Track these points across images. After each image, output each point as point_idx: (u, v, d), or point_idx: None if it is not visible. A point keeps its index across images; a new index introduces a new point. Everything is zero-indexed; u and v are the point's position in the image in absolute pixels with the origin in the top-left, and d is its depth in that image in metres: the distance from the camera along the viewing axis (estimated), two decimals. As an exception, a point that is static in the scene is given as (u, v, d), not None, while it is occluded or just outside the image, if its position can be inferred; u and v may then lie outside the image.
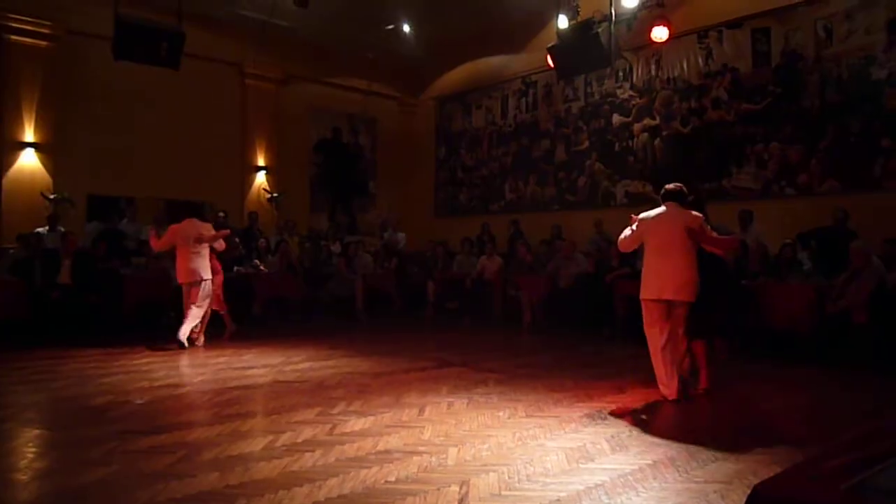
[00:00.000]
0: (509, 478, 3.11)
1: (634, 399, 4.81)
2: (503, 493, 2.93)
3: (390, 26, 11.82)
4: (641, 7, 9.81)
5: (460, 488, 2.97)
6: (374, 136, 14.00)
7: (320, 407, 4.50)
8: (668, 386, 4.74)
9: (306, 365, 6.21)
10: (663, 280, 4.72)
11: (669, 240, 4.74)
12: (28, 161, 9.65)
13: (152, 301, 8.39)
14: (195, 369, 6.06)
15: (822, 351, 6.36)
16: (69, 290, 7.87)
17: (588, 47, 7.79)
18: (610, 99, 10.89)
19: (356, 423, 4.07)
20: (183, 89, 10.43)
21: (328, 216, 13.04)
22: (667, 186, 4.98)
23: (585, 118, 11.26)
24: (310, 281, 10.04)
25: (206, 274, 7.16)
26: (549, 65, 8.70)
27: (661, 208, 4.89)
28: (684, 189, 4.97)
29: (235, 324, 8.04)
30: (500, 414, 4.35)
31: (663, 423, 4.26)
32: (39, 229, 8.80)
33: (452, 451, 3.53)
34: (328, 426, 3.99)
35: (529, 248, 10.19)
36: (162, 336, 7.42)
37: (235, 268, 9.11)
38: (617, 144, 10.75)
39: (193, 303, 7.06)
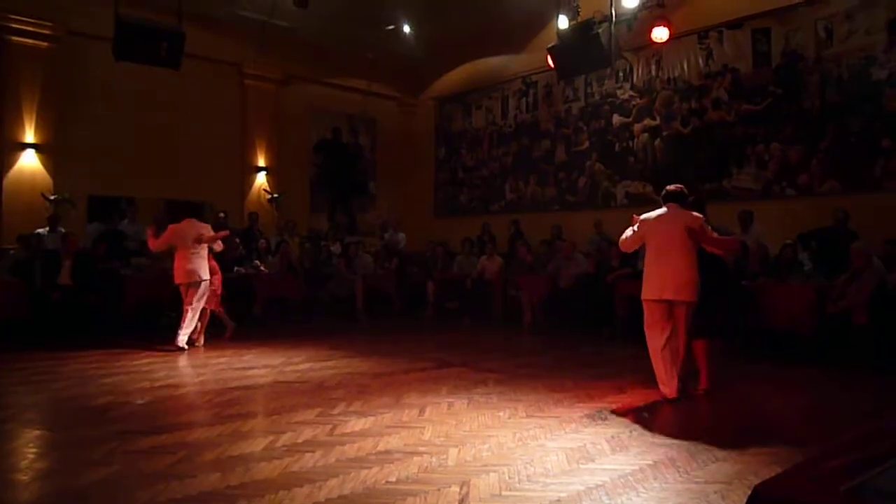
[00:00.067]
0: (510, 478, 3.12)
1: (635, 399, 4.81)
2: (503, 493, 2.93)
3: (390, 26, 11.82)
4: (642, 7, 9.80)
5: (461, 489, 2.97)
6: (373, 137, 14.00)
7: (321, 407, 4.50)
8: (667, 385, 4.76)
9: (306, 365, 6.21)
10: (664, 280, 4.75)
11: (670, 240, 4.77)
12: (28, 162, 9.65)
13: (152, 302, 8.39)
14: (195, 370, 6.07)
15: (822, 351, 6.37)
16: (70, 290, 7.87)
17: (588, 47, 7.79)
18: (610, 99, 10.89)
19: (356, 424, 4.08)
20: (183, 90, 10.43)
21: (328, 216, 13.04)
22: (667, 187, 5.03)
23: (586, 118, 11.26)
24: (310, 281, 10.04)
25: (205, 274, 7.15)
26: (549, 65, 8.71)
27: (662, 209, 4.93)
28: (685, 190, 5.02)
29: (234, 322, 8.00)
30: (501, 414, 4.35)
31: (664, 423, 4.26)
32: (40, 230, 8.80)
33: (453, 451, 3.53)
34: (328, 427, 4.00)
35: (530, 248, 10.18)
36: (162, 336, 7.43)
37: (236, 268, 9.12)
38: (617, 145, 10.75)
39: (190, 304, 7.07)
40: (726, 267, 5.45)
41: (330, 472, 3.17)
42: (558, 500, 2.85)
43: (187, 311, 7.06)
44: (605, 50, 7.65)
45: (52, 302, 7.70)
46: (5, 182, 9.50)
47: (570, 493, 2.93)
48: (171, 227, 7.24)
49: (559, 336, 8.41)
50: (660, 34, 9.24)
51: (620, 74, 10.66)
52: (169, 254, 7.45)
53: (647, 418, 4.28)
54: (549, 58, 8.44)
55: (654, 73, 10.24)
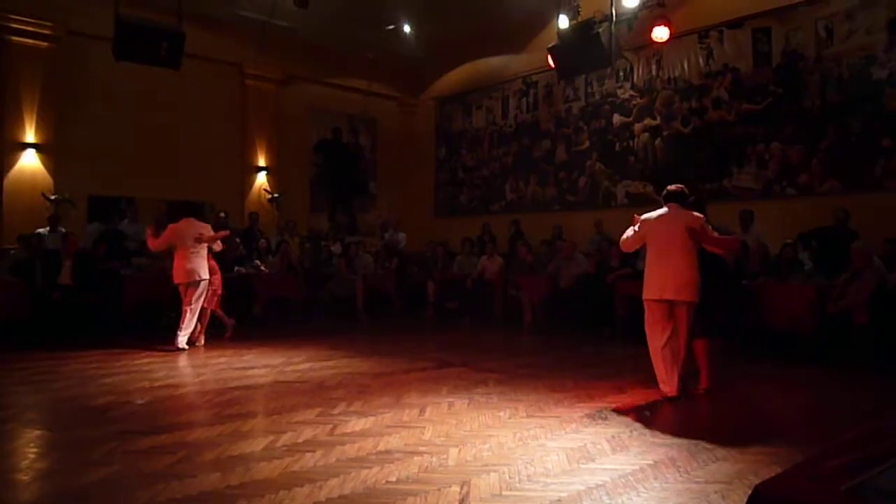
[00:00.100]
0: (510, 478, 3.12)
1: (635, 399, 4.81)
2: (504, 493, 2.93)
3: (390, 26, 11.82)
4: (642, 7, 9.80)
5: (461, 488, 2.97)
6: (374, 137, 14.00)
7: (321, 407, 4.50)
8: (667, 383, 4.78)
9: (307, 365, 6.21)
10: (665, 280, 4.76)
11: (671, 240, 4.78)
12: (29, 162, 9.65)
13: (153, 301, 8.39)
14: (196, 370, 6.07)
15: (822, 351, 6.36)
16: (70, 290, 7.88)
17: (589, 47, 7.79)
18: (610, 99, 10.89)
19: (357, 424, 4.08)
20: (183, 90, 10.43)
21: (328, 216, 13.04)
22: (668, 187, 5.05)
23: (586, 118, 11.26)
24: (310, 281, 10.04)
25: (204, 274, 7.15)
26: (549, 65, 8.71)
27: (663, 209, 4.94)
28: (685, 190, 5.03)
29: (233, 319, 7.98)
30: (501, 414, 4.35)
31: (664, 423, 4.25)
32: (40, 230, 8.80)
33: (453, 451, 3.53)
34: (329, 426, 4.00)
35: (530, 248, 10.18)
36: (162, 336, 7.43)
37: (236, 268, 9.12)
38: (618, 144, 10.75)
39: (189, 304, 7.07)
40: (727, 266, 5.45)
41: (330, 472, 3.17)
42: (559, 500, 2.85)
43: (186, 311, 7.06)
44: (606, 49, 7.65)
45: (53, 302, 7.70)
46: (6, 182, 9.50)
47: (571, 492, 2.93)
48: (170, 226, 7.24)
49: (559, 336, 8.41)
50: (660, 34, 9.23)
51: (621, 74, 10.66)
52: (169, 254, 7.45)
53: (647, 417, 4.29)
54: (549, 57, 8.44)
55: (654, 72, 10.24)
